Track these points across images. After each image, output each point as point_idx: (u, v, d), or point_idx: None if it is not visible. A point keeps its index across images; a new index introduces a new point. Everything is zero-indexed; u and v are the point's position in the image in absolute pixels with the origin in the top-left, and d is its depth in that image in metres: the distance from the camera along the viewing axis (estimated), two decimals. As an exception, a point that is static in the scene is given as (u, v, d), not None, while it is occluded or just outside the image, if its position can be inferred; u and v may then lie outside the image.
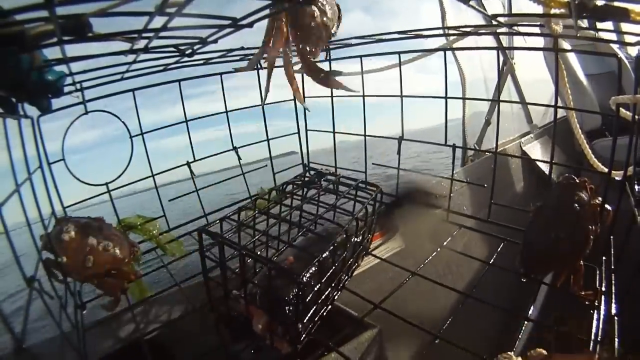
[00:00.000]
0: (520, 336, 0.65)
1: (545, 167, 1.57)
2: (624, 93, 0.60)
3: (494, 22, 0.61)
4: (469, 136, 1.66)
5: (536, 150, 1.75)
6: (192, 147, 0.90)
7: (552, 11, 0.47)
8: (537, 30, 0.61)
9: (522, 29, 0.64)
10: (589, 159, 0.77)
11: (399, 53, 0.86)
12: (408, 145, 0.93)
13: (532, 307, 0.67)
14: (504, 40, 1.71)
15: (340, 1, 0.59)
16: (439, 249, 0.82)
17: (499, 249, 0.78)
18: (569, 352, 0.51)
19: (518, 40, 1.73)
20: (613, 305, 0.59)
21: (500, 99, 1.70)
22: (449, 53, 0.85)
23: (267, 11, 0.42)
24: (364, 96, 0.94)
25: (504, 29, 0.63)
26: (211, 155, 0.96)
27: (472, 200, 1.21)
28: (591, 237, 0.61)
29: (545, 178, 1.59)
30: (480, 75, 1.67)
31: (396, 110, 0.91)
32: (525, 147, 1.71)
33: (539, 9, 0.48)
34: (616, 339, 0.53)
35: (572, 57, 2.01)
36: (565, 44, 1.66)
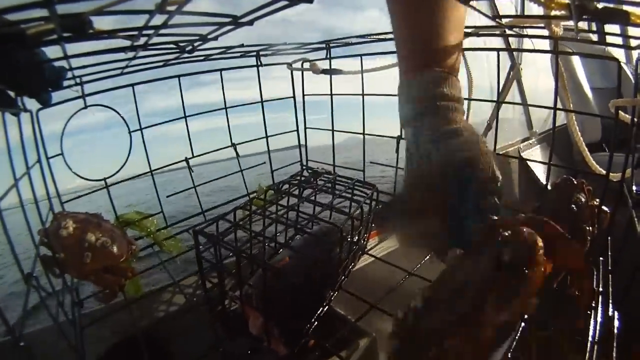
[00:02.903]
0: (517, 337, 0.66)
1: (541, 173, 1.59)
2: (616, 97, 0.60)
3: (495, 24, 0.61)
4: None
5: (535, 156, 1.75)
6: (190, 144, 0.90)
7: (553, 13, 0.47)
8: (541, 32, 0.61)
9: (526, 31, 0.64)
10: (587, 161, 0.77)
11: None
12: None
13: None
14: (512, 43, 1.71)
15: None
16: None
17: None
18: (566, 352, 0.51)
19: (525, 44, 1.73)
20: (610, 307, 0.59)
21: (501, 100, 1.71)
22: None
23: (267, 9, 0.42)
24: (363, 95, 0.94)
25: (505, 30, 0.63)
26: (210, 152, 0.96)
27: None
28: (588, 238, 0.61)
29: (542, 183, 1.61)
30: (487, 82, 1.67)
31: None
32: (523, 152, 1.71)
33: (540, 10, 0.48)
34: (614, 340, 0.53)
35: (579, 69, 2.00)
36: (569, 49, 1.65)
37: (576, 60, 1.88)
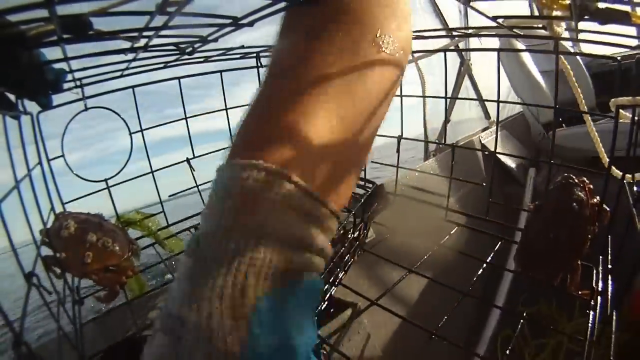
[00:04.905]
0: (516, 334, 0.66)
1: (506, 159, 1.74)
2: (616, 95, 0.60)
3: (491, 25, 0.60)
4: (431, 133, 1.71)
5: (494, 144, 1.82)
6: (191, 144, 0.90)
7: (552, 13, 0.47)
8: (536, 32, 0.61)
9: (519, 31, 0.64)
10: (602, 159, 0.76)
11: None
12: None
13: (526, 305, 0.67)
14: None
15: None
16: (435, 247, 0.82)
17: (496, 248, 0.79)
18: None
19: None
20: (609, 305, 0.59)
21: (454, 96, 1.88)
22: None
23: (267, 10, 0.42)
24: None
25: (504, 31, 0.63)
26: (210, 152, 0.96)
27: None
28: (589, 236, 0.61)
29: (507, 169, 1.72)
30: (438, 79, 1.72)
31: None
32: (484, 141, 1.81)
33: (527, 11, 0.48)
34: (612, 338, 0.53)
35: (525, 55, 2.05)
36: (519, 45, 1.73)
37: (521, 47, 1.94)
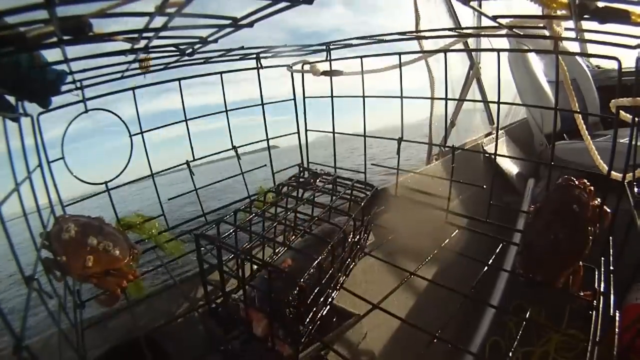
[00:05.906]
0: (517, 337, 0.66)
1: (507, 164, 1.75)
2: (616, 96, 0.60)
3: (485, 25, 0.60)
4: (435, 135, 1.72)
5: (498, 150, 1.81)
6: (191, 147, 0.89)
7: (552, 12, 0.47)
8: (535, 32, 0.61)
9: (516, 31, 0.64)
10: (595, 160, 0.76)
11: (399, 54, 0.86)
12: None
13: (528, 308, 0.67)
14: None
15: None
16: (435, 251, 0.82)
17: (497, 250, 0.78)
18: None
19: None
20: (612, 306, 0.59)
21: (463, 98, 1.87)
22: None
23: (267, 11, 0.42)
24: (364, 97, 0.93)
25: (504, 31, 0.63)
26: (210, 155, 0.95)
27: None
28: (590, 238, 0.61)
29: (506, 178, 1.73)
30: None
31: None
32: (486, 147, 1.81)
33: (535, 10, 0.48)
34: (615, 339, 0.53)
35: (535, 64, 2.04)
36: (525, 47, 1.74)
37: (532, 56, 1.93)
